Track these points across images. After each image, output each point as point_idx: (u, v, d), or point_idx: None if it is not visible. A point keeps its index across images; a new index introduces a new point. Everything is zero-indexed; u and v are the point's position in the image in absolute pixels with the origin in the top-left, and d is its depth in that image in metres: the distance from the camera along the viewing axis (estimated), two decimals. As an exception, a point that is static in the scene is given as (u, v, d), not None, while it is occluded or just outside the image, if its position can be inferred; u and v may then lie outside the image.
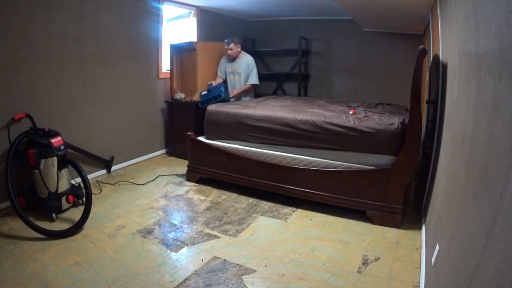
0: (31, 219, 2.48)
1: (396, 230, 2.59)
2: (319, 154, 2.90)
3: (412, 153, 2.54)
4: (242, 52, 4.36)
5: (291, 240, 2.44)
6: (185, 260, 2.19)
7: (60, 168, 2.73)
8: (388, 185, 2.61)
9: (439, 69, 2.61)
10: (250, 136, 3.20)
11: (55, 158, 2.69)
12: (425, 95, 3.83)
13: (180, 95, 4.40)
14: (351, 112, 3.19)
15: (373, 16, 4.42)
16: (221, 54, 4.79)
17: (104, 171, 3.81)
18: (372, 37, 5.58)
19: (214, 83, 4.31)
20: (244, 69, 4.32)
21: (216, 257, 2.21)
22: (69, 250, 2.27)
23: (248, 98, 4.44)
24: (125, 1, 3.79)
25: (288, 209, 2.95)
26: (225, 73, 4.41)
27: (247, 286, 1.93)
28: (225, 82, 4.43)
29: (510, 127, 0.79)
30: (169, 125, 4.55)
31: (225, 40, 4.24)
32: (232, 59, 4.32)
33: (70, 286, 1.91)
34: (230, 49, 4.22)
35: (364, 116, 3.02)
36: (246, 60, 4.33)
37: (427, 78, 3.78)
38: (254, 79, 4.34)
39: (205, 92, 4.21)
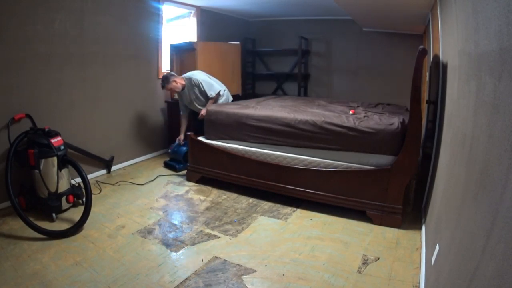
0: (31, 219, 2.48)
1: (396, 230, 2.59)
2: (319, 154, 2.90)
3: (412, 153, 2.54)
4: (183, 78, 3.72)
5: (291, 240, 2.44)
6: (185, 260, 2.19)
7: (60, 168, 2.73)
8: (388, 185, 2.61)
9: (439, 69, 2.61)
10: (250, 136, 3.20)
11: (55, 158, 2.69)
12: (425, 95, 3.83)
13: (180, 95, 4.41)
14: (351, 112, 3.19)
15: (373, 16, 4.42)
16: (221, 54, 4.79)
17: (104, 171, 3.81)
18: (372, 37, 5.58)
19: (181, 138, 3.88)
20: (195, 92, 3.71)
21: (216, 257, 2.21)
22: (69, 250, 2.27)
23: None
24: (125, 1, 3.79)
25: (288, 209, 2.95)
26: (186, 107, 3.87)
27: (247, 286, 1.93)
28: (191, 115, 3.94)
29: (510, 127, 0.79)
30: (169, 125, 4.55)
31: (161, 85, 3.71)
32: (181, 92, 3.74)
33: (70, 286, 1.91)
34: (171, 89, 3.67)
35: (364, 116, 3.02)
36: (190, 85, 3.70)
37: (427, 78, 3.78)
38: (210, 92, 3.68)
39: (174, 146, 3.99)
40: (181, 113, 3.89)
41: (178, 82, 3.63)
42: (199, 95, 3.71)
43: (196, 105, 3.76)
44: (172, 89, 3.66)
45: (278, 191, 3.07)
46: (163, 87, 3.68)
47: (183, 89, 3.69)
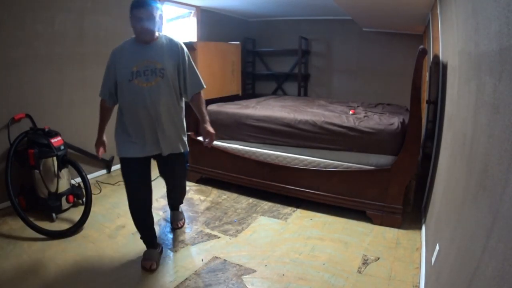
0: (31, 219, 2.48)
1: (396, 230, 2.59)
2: (319, 154, 2.90)
3: (412, 153, 2.54)
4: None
5: (291, 240, 2.44)
6: (185, 260, 2.19)
7: (60, 168, 2.73)
8: (388, 185, 2.61)
9: (439, 69, 2.61)
10: (250, 136, 3.20)
11: (55, 158, 2.69)
12: (425, 95, 3.83)
13: (180, 95, 4.38)
14: (351, 112, 3.19)
15: (373, 16, 4.42)
16: (221, 54, 4.76)
17: (104, 171, 3.81)
18: (372, 37, 5.58)
19: (100, 151, 2.23)
20: (172, 62, 1.95)
21: (216, 257, 2.21)
22: (69, 250, 2.27)
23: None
24: (125, 1, 3.78)
25: (288, 209, 2.95)
26: (127, 79, 1.89)
27: (247, 286, 1.93)
28: (109, 109, 2.20)
29: (510, 127, 0.79)
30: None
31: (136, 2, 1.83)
32: (144, 44, 1.93)
33: (70, 286, 1.91)
34: (148, 18, 1.82)
35: (364, 116, 3.03)
36: (169, 46, 1.97)
37: (427, 78, 3.78)
38: (200, 81, 2.10)
39: None
40: (102, 96, 2.11)
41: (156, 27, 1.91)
42: (171, 70, 1.94)
43: (151, 84, 1.88)
44: (149, 26, 1.84)
45: (278, 191, 3.07)
46: (146, 5, 1.80)
47: (151, 41, 1.93)
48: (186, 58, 2.00)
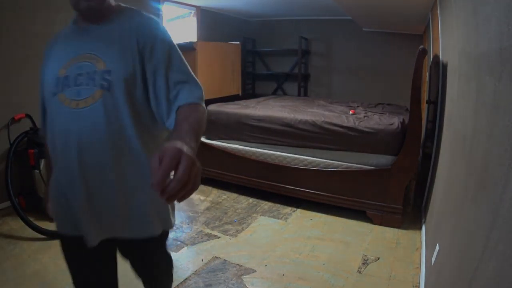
0: (31, 219, 2.47)
1: (396, 230, 2.59)
2: (319, 154, 2.90)
3: (412, 153, 2.54)
4: (120, 4, 1.09)
5: (291, 240, 2.44)
6: (185, 260, 2.19)
7: (60, 168, 2.73)
8: (388, 185, 2.61)
9: (439, 69, 2.61)
10: (250, 136, 3.20)
11: (55, 158, 2.69)
12: (425, 95, 3.83)
13: (180, 95, 4.37)
14: (351, 112, 3.19)
15: (373, 16, 4.42)
16: (221, 54, 4.76)
17: (104, 171, 3.81)
18: (372, 37, 5.58)
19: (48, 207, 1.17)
20: (131, 57, 0.94)
21: (216, 257, 2.21)
22: (69, 250, 2.27)
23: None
24: (124, 1, 3.78)
25: (288, 209, 2.95)
26: (51, 91, 1.08)
27: (247, 286, 1.93)
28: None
29: (510, 127, 0.79)
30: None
31: None
32: (88, 24, 1.03)
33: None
34: None
35: (364, 116, 3.03)
36: (139, 23, 0.99)
37: (427, 78, 3.78)
38: (196, 90, 0.95)
39: None
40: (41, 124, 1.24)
41: None
42: (138, 83, 0.95)
43: (88, 102, 0.94)
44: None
45: (278, 191, 3.07)
46: None
47: (100, 19, 1.03)
48: (163, 48, 0.96)
